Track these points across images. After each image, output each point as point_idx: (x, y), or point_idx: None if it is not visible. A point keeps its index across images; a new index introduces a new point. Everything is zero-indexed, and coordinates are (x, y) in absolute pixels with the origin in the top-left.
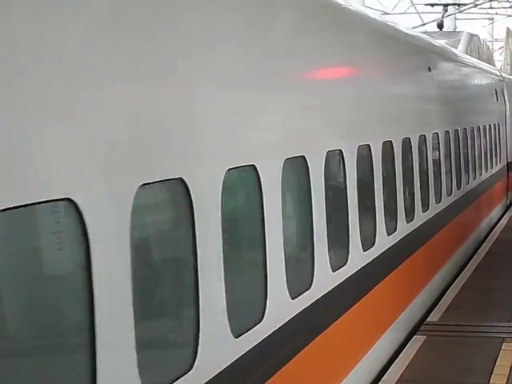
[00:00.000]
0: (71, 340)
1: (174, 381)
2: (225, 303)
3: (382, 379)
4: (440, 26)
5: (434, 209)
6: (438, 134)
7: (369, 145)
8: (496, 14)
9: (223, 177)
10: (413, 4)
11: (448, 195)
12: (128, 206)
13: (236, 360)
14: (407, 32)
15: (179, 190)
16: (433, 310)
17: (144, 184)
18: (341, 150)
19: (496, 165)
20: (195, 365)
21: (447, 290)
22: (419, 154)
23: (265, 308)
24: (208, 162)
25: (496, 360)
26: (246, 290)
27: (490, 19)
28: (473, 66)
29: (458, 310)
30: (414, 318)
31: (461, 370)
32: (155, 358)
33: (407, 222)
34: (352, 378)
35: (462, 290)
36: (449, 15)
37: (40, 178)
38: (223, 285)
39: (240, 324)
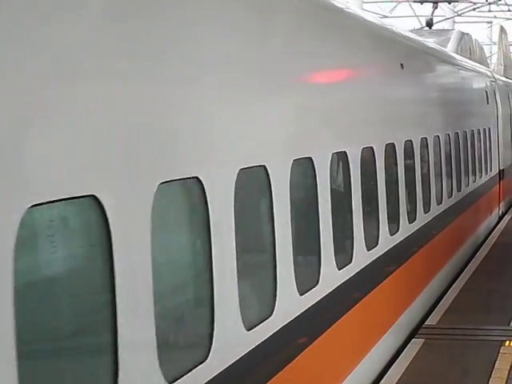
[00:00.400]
0: None
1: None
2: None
3: (381, 382)
4: (429, 24)
5: (407, 229)
6: (411, 141)
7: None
8: (494, 17)
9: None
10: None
11: (425, 212)
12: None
13: None
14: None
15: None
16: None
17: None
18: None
19: (486, 173)
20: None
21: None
22: (386, 164)
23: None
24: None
25: (494, 363)
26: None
27: (488, 22)
28: (459, 66)
29: (456, 313)
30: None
31: (459, 372)
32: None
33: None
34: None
35: (460, 293)
36: (447, 18)
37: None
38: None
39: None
